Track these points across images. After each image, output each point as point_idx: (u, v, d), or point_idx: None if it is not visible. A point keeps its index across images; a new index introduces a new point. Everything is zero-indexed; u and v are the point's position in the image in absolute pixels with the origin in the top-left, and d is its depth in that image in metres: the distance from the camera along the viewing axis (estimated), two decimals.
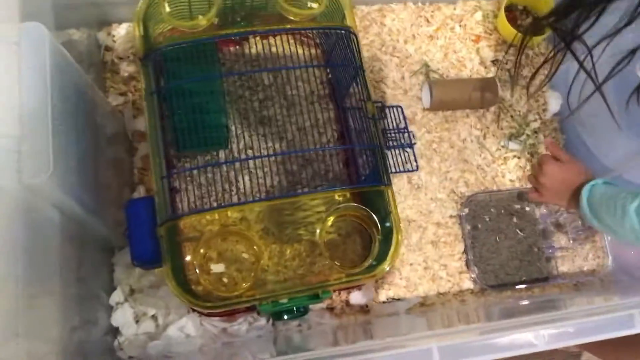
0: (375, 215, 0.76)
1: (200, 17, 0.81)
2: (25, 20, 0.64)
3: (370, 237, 0.78)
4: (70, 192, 0.65)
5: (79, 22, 0.92)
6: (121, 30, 1.03)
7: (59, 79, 0.65)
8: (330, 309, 0.94)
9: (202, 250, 0.70)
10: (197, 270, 0.69)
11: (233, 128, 0.91)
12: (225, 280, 0.71)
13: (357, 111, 0.89)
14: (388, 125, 0.97)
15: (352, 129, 0.93)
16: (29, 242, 0.60)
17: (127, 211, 0.74)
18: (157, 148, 0.75)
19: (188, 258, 0.72)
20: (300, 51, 1.00)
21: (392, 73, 1.08)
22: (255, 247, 0.71)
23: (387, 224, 0.75)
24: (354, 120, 0.90)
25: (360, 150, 0.91)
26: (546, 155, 0.92)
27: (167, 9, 0.80)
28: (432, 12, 1.14)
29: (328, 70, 1.00)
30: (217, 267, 0.71)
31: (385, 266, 0.72)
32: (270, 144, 0.93)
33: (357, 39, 0.85)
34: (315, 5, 0.86)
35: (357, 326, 0.91)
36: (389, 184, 0.77)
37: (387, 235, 0.75)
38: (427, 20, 1.13)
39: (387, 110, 0.97)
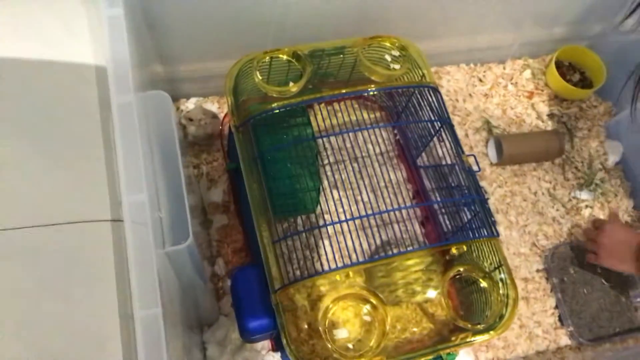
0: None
1: (292, 83, 0.82)
2: None
3: (473, 293, 0.76)
4: (197, 260, 0.63)
5: None
6: (190, 105, 1.04)
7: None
8: None
9: (326, 315, 0.66)
10: (325, 336, 0.65)
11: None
12: (350, 346, 0.67)
13: (441, 168, 0.89)
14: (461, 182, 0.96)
15: (428, 187, 0.93)
16: None
17: (236, 280, 0.71)
18: (264, 213, 0.74)
19: (306, 326, 0.68)
20: (365, 116, 1.02)
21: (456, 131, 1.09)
22: (378, 309, 0.68)
23: (501, 276, 0.73)
24: (438, 176, 0.90)
25: (442, 209, 0.90)
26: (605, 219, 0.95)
27: (259, 77, 0.81)
28: (484, 72, 1.17)
29: (396, 131, 1.01)
30: (341, 332, 0.67)
31: (510, 320, 0.69)
32: (346, 208, 0.92)
33: (441, 95, 0.86)
34: (397, 67, 0.88)
35: None
36: (498, 235, 0.75)
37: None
38: (480, 80, 1.16)
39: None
